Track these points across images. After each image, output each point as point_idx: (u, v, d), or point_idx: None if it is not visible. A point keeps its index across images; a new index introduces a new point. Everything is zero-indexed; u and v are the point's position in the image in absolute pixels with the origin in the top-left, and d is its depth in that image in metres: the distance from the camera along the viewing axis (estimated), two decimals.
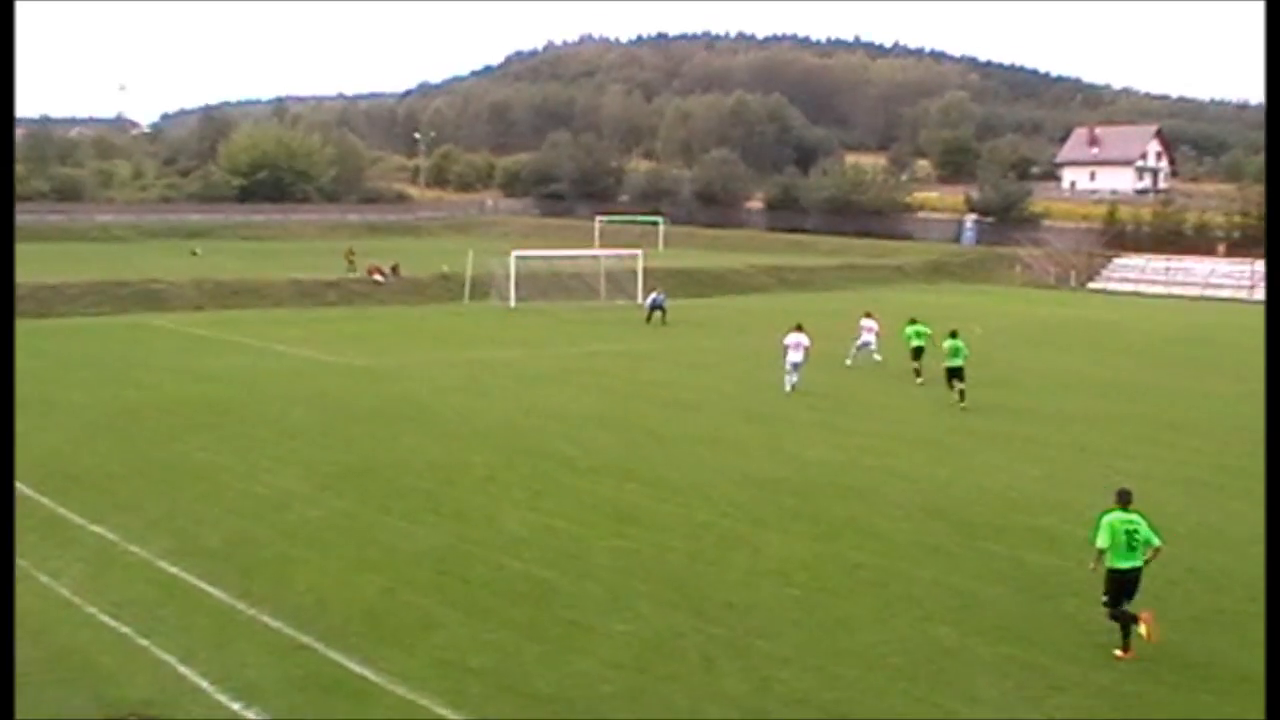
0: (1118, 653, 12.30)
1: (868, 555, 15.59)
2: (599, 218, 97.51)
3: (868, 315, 34.38)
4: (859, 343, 33.61)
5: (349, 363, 33.14)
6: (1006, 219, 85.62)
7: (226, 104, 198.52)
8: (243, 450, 21.01)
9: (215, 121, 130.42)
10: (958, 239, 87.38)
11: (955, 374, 27.60)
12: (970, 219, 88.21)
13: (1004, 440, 23.52)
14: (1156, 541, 12.49)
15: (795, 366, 29.23)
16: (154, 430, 22.39)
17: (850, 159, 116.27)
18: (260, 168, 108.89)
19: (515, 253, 53.51)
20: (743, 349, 38.02)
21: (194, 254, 68.03)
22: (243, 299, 50.15)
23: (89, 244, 78.75)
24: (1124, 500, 12.52)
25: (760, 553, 15.58)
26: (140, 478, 18.74)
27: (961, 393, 27.26)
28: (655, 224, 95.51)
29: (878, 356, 33.33)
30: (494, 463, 20.46)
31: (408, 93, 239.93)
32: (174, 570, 14.30)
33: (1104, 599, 12.41)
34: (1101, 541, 12.23)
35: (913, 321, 31.41)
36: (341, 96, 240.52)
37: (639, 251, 57.80)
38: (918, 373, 30.35)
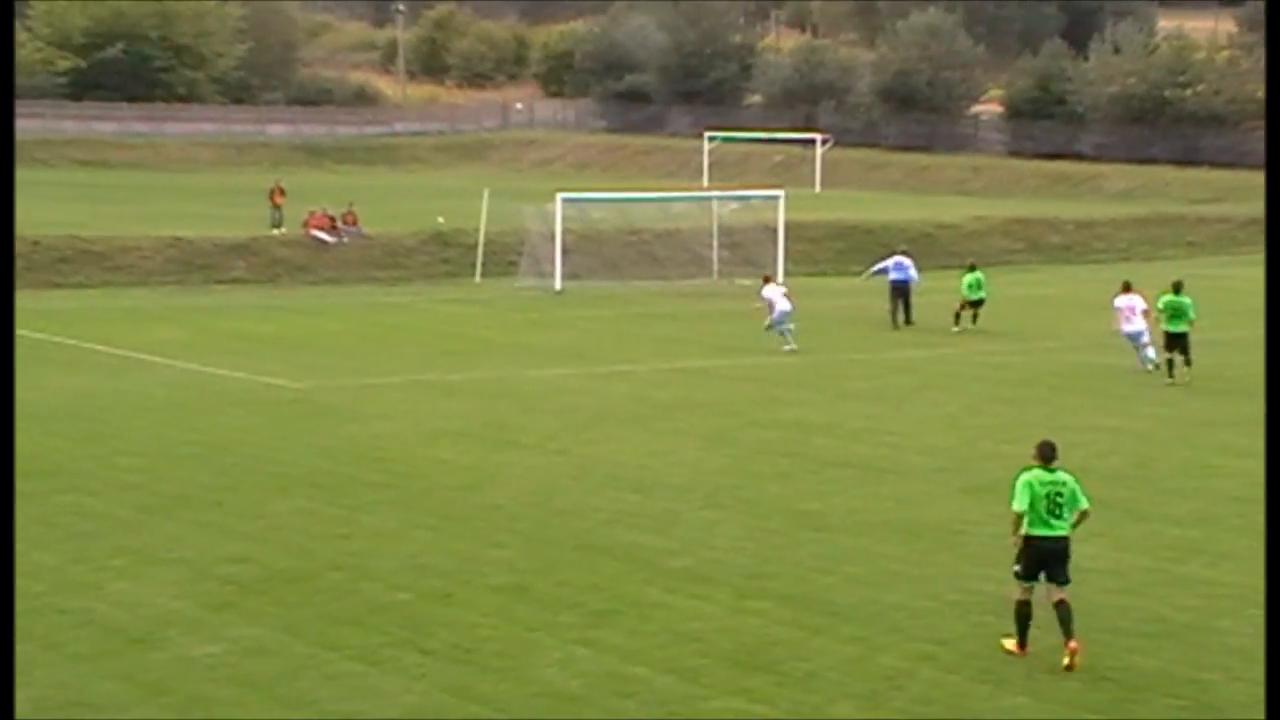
0: (1008, 643, 16.76)
1: None
2: (711, 134, 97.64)
3: (767, 280, 42.09)
4: (774, 318, 40.02)
5: (272, 385, 33.54)
6: None
7: None
8: (77, 541, 21.23)
9: None
10: None
11: (1176, 342, 34.43)
12: None
13: None
14: (1084, 504, 16.76)
15: (1138, 341, 35.13)
16: None
17: (1168, 24, 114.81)
18: (107, 39, 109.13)
19: (563, 195, 53.79)
20: (968, 367, 37.70)
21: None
22: (83, 271, 51.13)
23: None
24: (1046, 455, 16.63)
25: None
26: None
27: (1186, 362, 34.30)
28: (810, 144, 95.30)
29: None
30: (523, 563, 20.59)
31: None
32: None
33: (1015, 568, 16.63)
34: (1019, 504, 16.40)
35: (971, 269, 44.34)
36: None
37: (780, 193, 57.71)
38: (958, 318, 43.48)
